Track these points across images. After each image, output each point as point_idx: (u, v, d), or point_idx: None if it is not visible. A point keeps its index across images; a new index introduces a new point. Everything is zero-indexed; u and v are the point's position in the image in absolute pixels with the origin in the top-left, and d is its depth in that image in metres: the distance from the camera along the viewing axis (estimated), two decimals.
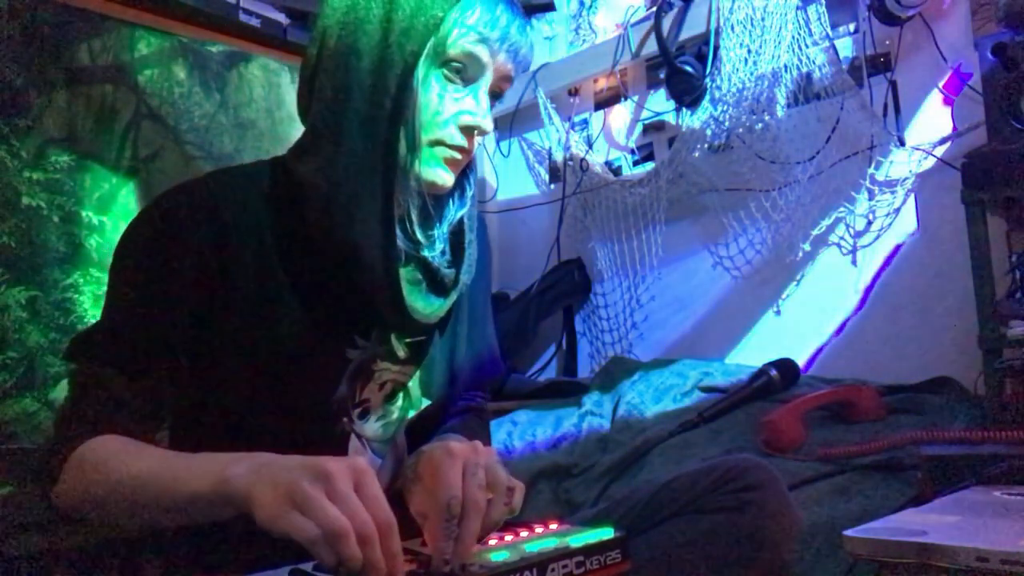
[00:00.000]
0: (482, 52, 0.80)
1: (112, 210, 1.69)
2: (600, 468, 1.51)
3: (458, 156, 0.83)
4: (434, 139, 0.81)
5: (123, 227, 0.84)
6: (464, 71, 0.81)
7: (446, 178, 0.83)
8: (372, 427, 0.88)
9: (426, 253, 0.85)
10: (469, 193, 0.91)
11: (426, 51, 0.78)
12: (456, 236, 0.89)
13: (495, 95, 0.85)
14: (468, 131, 0.82)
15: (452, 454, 0.70)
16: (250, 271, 0.80)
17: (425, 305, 0.84)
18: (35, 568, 1.46)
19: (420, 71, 0.78)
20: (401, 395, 0.90)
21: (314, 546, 0.57)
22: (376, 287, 0.80)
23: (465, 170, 0.89)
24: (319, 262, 0.80)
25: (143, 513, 0.70)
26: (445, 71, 0.80)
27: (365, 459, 0.85)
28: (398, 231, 0.81)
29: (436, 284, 0.87)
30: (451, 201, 0.89)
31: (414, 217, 0.83)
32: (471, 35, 0.79)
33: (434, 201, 0.86)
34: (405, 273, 0.83)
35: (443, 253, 0.87)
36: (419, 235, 0.84)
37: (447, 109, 0.81)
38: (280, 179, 0.83)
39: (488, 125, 0.83)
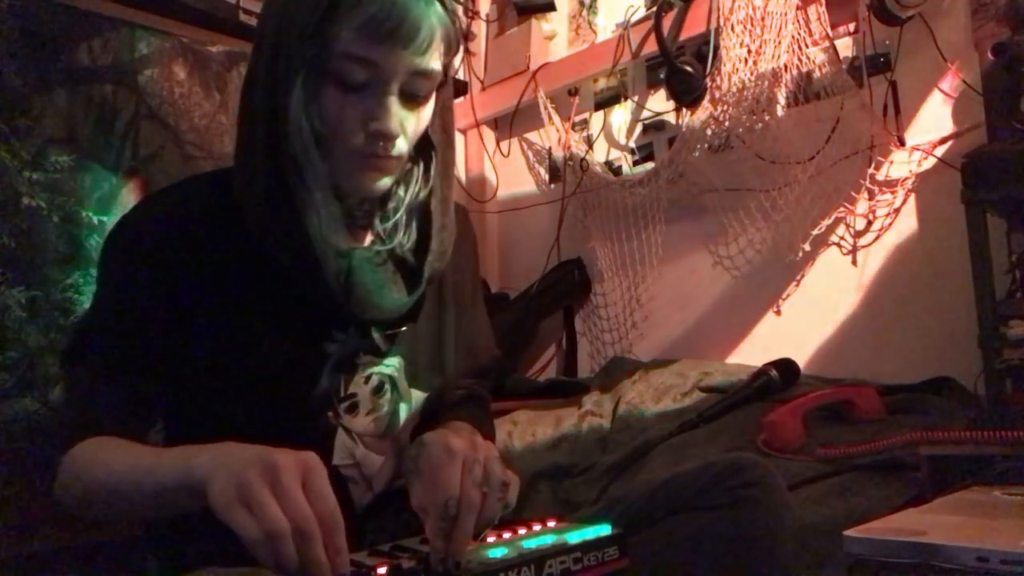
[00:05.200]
0: (372, 54, 0.76)
1: (112, 210, 1.69)
2: (600, 468, 1.51)
3: (376, 163, 0.81)
4: (349, 148, 0.80)
5: None
6: (356, 76, 0.78)
7: (371, 185, 0.83)
8: (362, 422, 0.88)
9: (383, 246, 0.87)
10: (436, 175, 0.89)
11: (305, 64, 0.77)
12: (421, 219, 0.89)
13: (415, 92, 0.81)
14: (375, 137, 0.80)
15: (452, 452, 0.70)
16: (220, 273, 0.82)
17: (390, 299, 0.85)
18: (35, 568, 1.46)
19: (301, 84, 0.77)
20: (389, 388, 0.90)
21: (254, 547, 0.58)
22: (320, 293, 0.82)
23: (430, 154, 0.89)
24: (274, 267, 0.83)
25: (127, 509, 0.74)
26: (342, 80, 0.78)
27: (359, 452, 0.87)
28: (333, 227, 0.82)
29: (405, 272, 0.88)
30: (405, 188, 0.89)
31: (358, 217, 0.86)
32: (356, 41, 0.75)
33: (378, 198, 0.87)
34: (364, 268, 0.84)
35: (409, 238, 0.89)
36: (373, 230, 0.87)
37: (351, 118, 0.79)
38: (230, 190, 0.85)
39: (393, 129, 0.79)
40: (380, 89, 0.79)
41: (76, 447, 0.77)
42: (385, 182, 0.84)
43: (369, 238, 0.90)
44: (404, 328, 0.90)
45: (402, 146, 0.82)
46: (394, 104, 0.79)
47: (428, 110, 0.85)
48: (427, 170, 0.89)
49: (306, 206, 0.79)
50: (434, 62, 0.80)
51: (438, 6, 0.78)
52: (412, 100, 0.81)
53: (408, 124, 0.82)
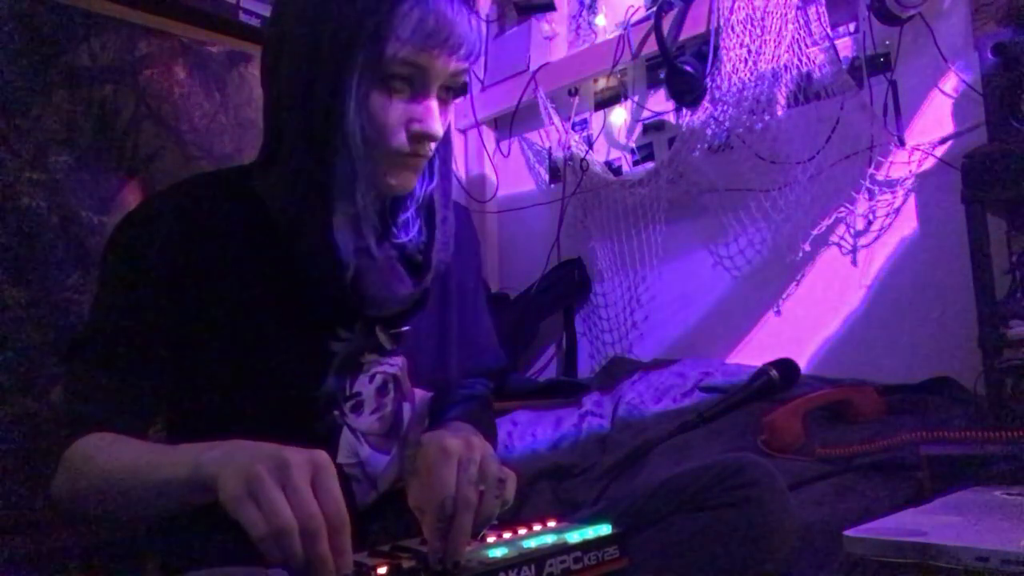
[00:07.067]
0: (421, 59, 0.79)
1: (112, 210, 1.69)
2: (600, 468, 1.51)
3: (414, 162, 0.84)
4: (386, 148, 0.81)
5: None
6: (406, 80, 0.80)
7: (403, 183, 0.85)
8: (367, 421, 0.88)
9: (399, 239, 0.88)
10: (437, 170, 0.91)
11: (358, 69, 0.77)
12: (428, 214, 0.91)
13: (453, 89, 0.85)
14: (418, 138, 0.82)
15: (447, 451, 0.70)
16: (226, 271, 0.83)
17: (399, 291, 0.87)
18: (36, 568, 1.46)
19: (355, 88, 0.78)
20: (392, 387, 0.90)
21: (261, 542, 0.58)
22: (336, 291, 0.83)
23: (436, 150, 0.90)
24: (288, 264, 0.83)
25: (127, 504, 0.72)
26: (388, 83, 0.80)
27: (363, 451, 0.87)
28: (363, 227, 0.83)
29: (411, 267, 0.89)
30: (419, 184, 0.90)
31: (374, 215, 0.86)
32: (407, 46, 0.77)
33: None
34: (378, 263, 0.85)
35: (419, 233, 0.90)
36: (389, 225, 0.88)
37: (394, 119, 0.81)
38: (247, 187, 0.86)
39: (437, 130, 0.82)
40: (423, 92, 0.81)
41: (76, 443, 0.76)
42: (415, 180, 0.87)
43: (378, 234, 0.90)
44: (408, 327, 0.90)
45: (435, 145, 0.85)
46: (436, 106, 0.82)
47: (452, 109, 0.88)
48: (432, 165, 0.91)
49: (341, 204, 0.80)
50: (463, 62, 0.83)
51: (474, 13, 0.82)
52: (445, 101, 0.85)
53: (443, 124, 0.85)
